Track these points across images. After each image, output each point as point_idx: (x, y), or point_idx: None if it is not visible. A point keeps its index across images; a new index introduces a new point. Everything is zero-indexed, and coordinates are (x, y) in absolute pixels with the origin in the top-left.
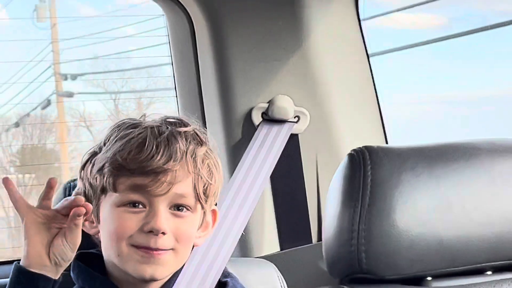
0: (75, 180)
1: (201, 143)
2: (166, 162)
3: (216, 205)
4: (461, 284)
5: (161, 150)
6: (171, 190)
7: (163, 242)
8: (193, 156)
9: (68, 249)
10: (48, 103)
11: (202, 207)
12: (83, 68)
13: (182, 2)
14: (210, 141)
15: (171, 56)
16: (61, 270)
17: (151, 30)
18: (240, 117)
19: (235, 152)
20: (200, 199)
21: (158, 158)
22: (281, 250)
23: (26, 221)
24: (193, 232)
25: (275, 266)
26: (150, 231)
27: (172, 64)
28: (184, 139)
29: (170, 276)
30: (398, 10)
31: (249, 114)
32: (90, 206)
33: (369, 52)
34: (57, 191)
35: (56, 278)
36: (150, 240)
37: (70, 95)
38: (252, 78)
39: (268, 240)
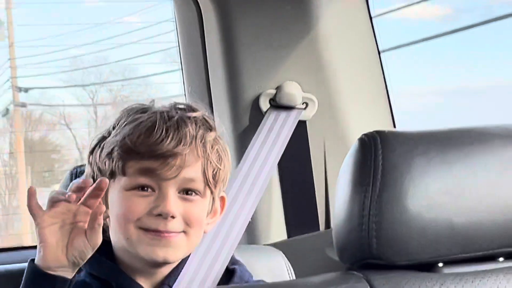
0: (81, 165)
1: (210, 128)
2: (175, 145)
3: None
4: (473, 270)
5: (171, 134)
6: (180, 174)
7: (173, 225)
8: (203, 141)
9: (89, 249)
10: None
11: (212, 192)
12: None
13: None
14: (219, 128)
15: (178, 43)
16: (77, 269)
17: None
18: (248, 104)
19: (243, 139)
20: (209, 183)
21: (168, 141)
22: (288, 237)
23: (40, 224)
24: (203, 216)
25: (282, 254)
26: (159, 215)
27: (180, 51)
28: (194, 124)
29: (178, 262)
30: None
31: (256, 101)
32: (106, 181)
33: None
34: (64, 177)
35: (71, 277)
36: (159, 223)
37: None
38: (260, 64)
39: (276, 227)
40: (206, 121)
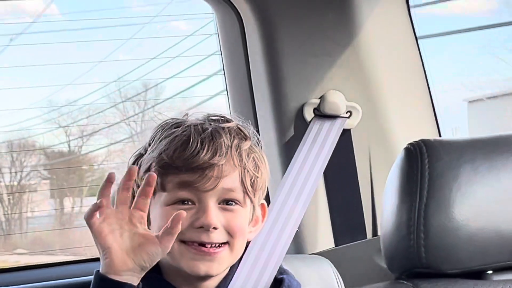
0: None
1: (245, 138)
2: (211, 157)
3: (269, 201)
4: None
5: (206, 146)
6: (218, 185)
7: (215, 236)
8: (238, 150)
9: (159, 253)
10: None
11: (251, 201)
12: None
13: (231, 0)
14: (253, 136)
15: (221, 54)
16: (144, 273)
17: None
18: (292, 114)
19: (288, 148)
20: (248, 192)
21: (204, 153)
22: (335, 246)
23: (99, 233)
24: (245, 225)
25: (330, 262)
26: (201, 227)
27: (223, 63)
28: (228, 134)
29: (226, 273)
30: None
31: (300, 110)
32: (154, 175)
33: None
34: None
35: (138, 283)
36: (202, 235)
37: None
38: (303, 74)
39: (323, 236)
40: (241, 130)
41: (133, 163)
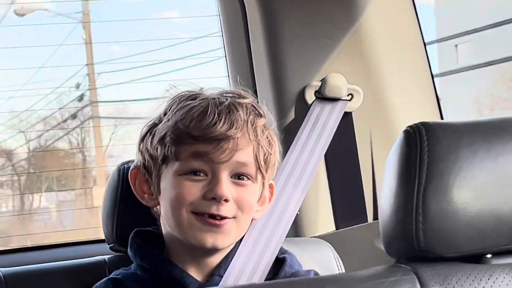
0: (128, 161)
1: (260, 115)
2: (228, 129)
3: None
4: None
5: (223, 118)
6: (233, 158)
7: (226, 209)
8: (254, 125)
9: None
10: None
11: (263, 177)
12: None
13: None
14: (267, 115)
15: (222, 36)
16: None
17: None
18: (293, 96)
19: (289, 131)
20: (261, 168)
21: (221, 125)
22: (336, 229)
23: None
24: (254, 201)
25: (331, 246)
26: (213, 198)
27: (224, 45)
28: (244, 109)
29: (228, 250)
30: None
31: (302, 93)
32: None
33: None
34: (111, 174)
35: None
36: (212, 206)
37: None
38: (305, 56)
39: (323, 219)
40: (255, 108)
41: (146, 133)
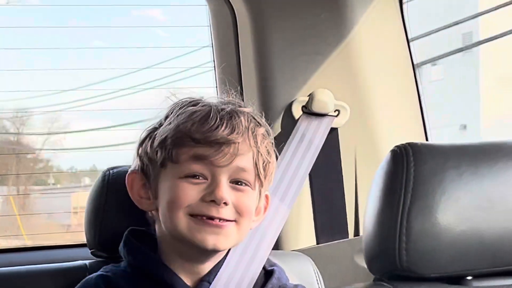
0: (114, 168)
1: (260, 124)
2: (230, 133)
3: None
4: (502, 284)
5: (225, 122)
6: (233, 162)
7: (225, 212)
8: (254, 132)
9: None
10: None
11: (261, 185)
12: None
13: None
14: (266, 126)
15: (212, 48)
16: None
17: None
18: (280, 110)
19: (275, 145)
20: (259, 174)
21: (222, 129)
22: (317, 244)
23: None
24: (253, 207)
25: (311, 260)
26: (212, 201)
27: (213, 57)
28: (245, 116)
29: (219, 259)
30: None
31: (289, 107)
32: None
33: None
34: (97, 179)
35: None
36: (211, 209)
37: None
38: (293, 71)
39: (305, 233)
40: (255, 117)
41: (146, 137)
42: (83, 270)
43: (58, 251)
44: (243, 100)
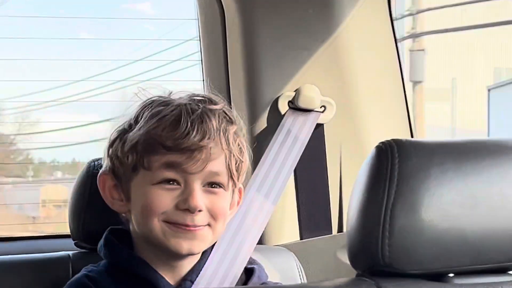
0: (99, 159)
1: (231, 121)
2: (201, 139)
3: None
4: (483, 282)
5: (196, 127)
6: (206, 168)
7: (199, 218)
8: (226, 133)
9: None
10: None
11: (234, 185)
12: None
13: None
14: (238, 121)
15: (199, 41)
16: None
17: None
18: (266, 105)
19: (261, 139)
20: (233, 176)
21: (194, 135)
22: (300, 239)
23: None
24: (226, 208)
25: (294, 255)
26: (186, 209)
27: (201, 50)
28: (216, 117)
29: (199, 257)
30: None
31: (275, 102)
32: None
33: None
34: (81, 170)
35: None
36: (186, 217)
37: None
38: (280, 66)
39: (288, 229)
40: (226, 114)
41: (116, 138)
42: (66, 261)
43: (41, 241)
44: (229, 94)
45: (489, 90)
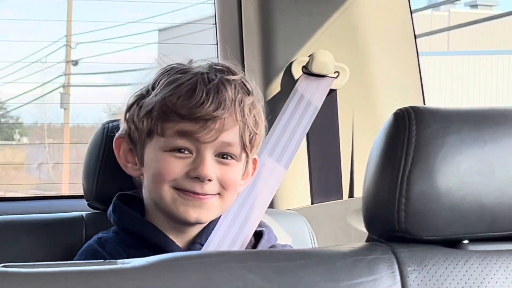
0: (114, 120)
1: (248, 92)
2: (215, 109)
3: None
4: (497, 249)
5: (211, 97)
6: (218, 138)
7: (209, 187)
8: (241, 105)
9: None
10: None
11: (247, 156)
12: None
13: None
14: (255, 92)
15: (214, 4)
16: None
17: None
18: (280, 70)
19: (274, 104)
20: (246, 148)
21: (208, 105)
22: (312, 203)
23: None
24: (238, 179)
25: (305, 219)
26: (196, 177)
27: (215, 14)
28: (233, 87)
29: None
30: None
31: (289, 67)
32: None
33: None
34: (95, 131)
35: None
36: (196, 185)
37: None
38: (295, 31)
39: (300, 193)
40: (244, 84)
41: (133, 103)
42: (79, 221)
43: (54, 201)
44: (243, 58)
45: None
